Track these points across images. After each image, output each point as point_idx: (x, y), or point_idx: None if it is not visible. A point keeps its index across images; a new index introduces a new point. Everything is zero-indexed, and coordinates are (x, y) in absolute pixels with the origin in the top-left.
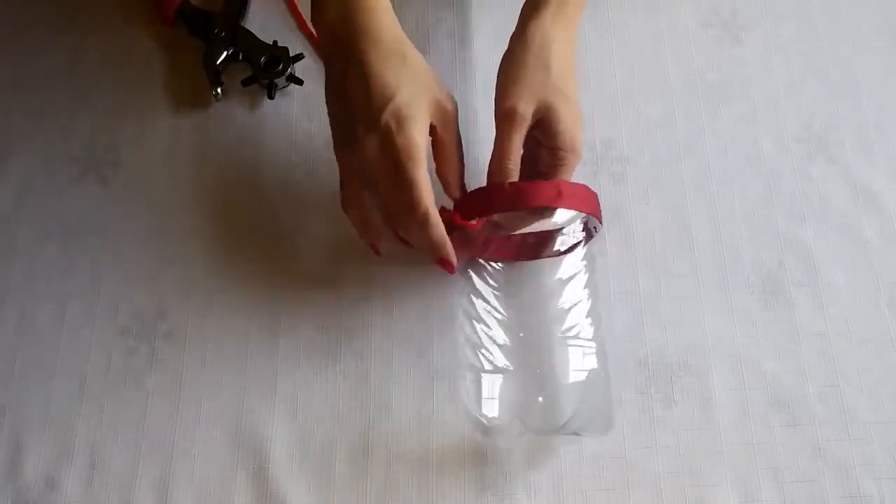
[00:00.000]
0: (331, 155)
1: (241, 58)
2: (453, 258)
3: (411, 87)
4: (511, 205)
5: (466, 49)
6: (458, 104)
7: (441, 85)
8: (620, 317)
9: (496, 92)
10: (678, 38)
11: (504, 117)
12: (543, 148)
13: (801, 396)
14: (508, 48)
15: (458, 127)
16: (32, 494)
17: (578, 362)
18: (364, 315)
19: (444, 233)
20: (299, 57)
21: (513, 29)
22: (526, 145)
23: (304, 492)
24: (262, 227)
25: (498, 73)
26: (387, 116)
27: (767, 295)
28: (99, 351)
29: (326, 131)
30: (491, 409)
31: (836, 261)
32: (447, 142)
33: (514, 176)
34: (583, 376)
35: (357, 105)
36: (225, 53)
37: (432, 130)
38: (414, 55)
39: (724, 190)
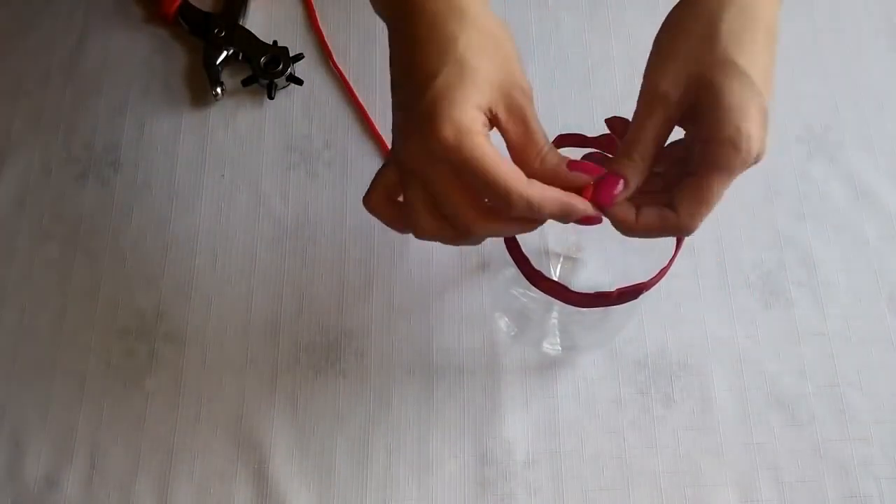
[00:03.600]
0: (331, 155)
1: (241, 58)
2: (586, 207)
3: (467, 55)
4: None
5: None
6: None
7: (516, 57)
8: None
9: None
10: None
11: (641, 99)
12: (697, 142)
13: (801, 396)
14: (669, 14)
15: (532, 113)
16: (32, 494)
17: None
18: (364, 315)
19: (557, 194)
20: (299, 57)
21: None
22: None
23: (304, 491)
24: (262, 227)
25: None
26: (427, 103)
27: (767, 295)
28: (99, 351)
29: (326, 131)
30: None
31: (836, 261)
32: (512, 134)
33: (633, 175)
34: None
35: (398, 82)
36: (225, 53)
37: (494, 119)
38: (479, 9)
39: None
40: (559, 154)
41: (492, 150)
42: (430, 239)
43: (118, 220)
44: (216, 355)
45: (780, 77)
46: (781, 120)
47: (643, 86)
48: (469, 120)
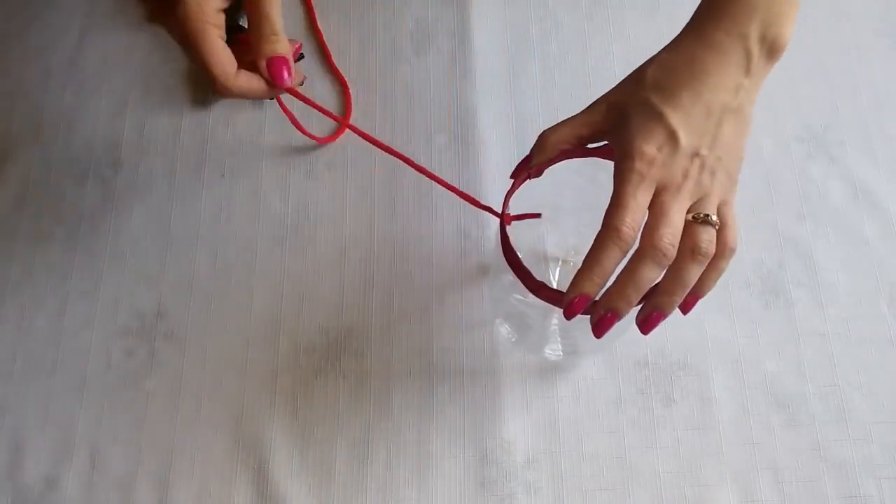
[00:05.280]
0: (330, 155)
1: None
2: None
3: None
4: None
5: (466, 48)
6: (458, 104)
7: None
8: None
9: None
10: None
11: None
12: None
13: (801, 396)
14: None
15: (269, 3)
16: (32, 494)
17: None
18: (364, 315)
19: (250, 83)
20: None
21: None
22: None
23: (304, 492)
24: (261, 227)
25: None
26: None
27: (767, 295)
28: (99, 351)
29: (326, 131)
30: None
31: (836, 261)
32: (248, 18)
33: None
34: None
35: None
36: None
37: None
38: None
39: None
40: (281, 45)
41: (210, 36)
42: None
43: (118, 220)
44: (216, 355)
45: (780, 77)
46: (781, 120)
47: None
48: (196, 4)
